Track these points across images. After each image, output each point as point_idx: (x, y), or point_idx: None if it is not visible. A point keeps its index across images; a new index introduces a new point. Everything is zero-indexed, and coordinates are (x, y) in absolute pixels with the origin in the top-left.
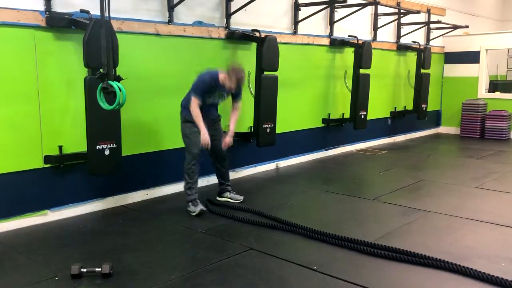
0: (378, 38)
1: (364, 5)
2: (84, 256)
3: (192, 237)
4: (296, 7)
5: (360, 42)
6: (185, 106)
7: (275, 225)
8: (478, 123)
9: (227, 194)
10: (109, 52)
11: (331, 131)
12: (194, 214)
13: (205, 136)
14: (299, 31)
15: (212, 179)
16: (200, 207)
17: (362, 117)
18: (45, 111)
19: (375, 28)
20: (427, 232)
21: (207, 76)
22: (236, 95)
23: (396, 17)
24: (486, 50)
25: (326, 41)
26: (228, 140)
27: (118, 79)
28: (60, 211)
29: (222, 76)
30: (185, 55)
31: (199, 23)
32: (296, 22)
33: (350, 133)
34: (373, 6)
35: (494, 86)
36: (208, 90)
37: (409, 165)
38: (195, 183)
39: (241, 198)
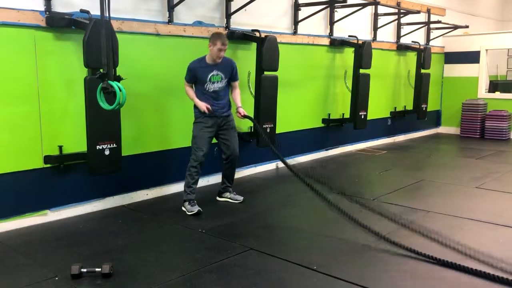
0: (378, 38)
1: (364, 5)
2: (84, 256)
3: (192, 237)
4: (296, 7)
5: (360, 42)
6: (194, 106)
7: None
8: (478, 123)
9: (227, 194)
10: (109, 52)
11: (331, 131)
12: (190, 213)
13: (203, 106)
14: (299, 31)
15: (212, 179)
16: (197, 207)
17: (362, 117)
18: (45, 111)
19: (375, 28)
20: (427, 232)
21: (192, 62)
22: (232, 77)
23: (396, 17)
24: (486, 50)
25: (326, 41)
26: (241, 110)
27: (118, 79)
28: (60, 211)
29: (208, 55)
30: (185, 55)
31: (199, 23)
32: (296, 22)
33: (350, 133)
34: (373, 6)
35: (494, 86)
36: (199, 74)
37: (409, 165)
38: (195, 184)
39: (241, 198)
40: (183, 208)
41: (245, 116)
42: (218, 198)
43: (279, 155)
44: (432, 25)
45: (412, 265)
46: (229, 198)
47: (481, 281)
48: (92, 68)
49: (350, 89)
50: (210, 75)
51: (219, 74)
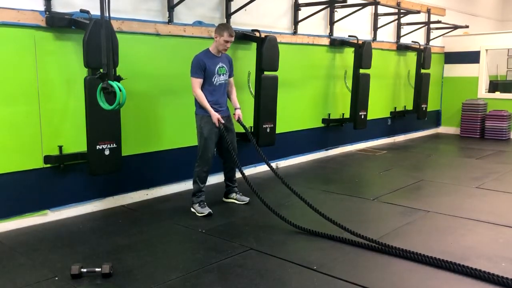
0: (378, 38)
1: (364, 5)
2: (84, 256)
3: (192, 237)
4: (296, 7)
5: (360, 42)
6: (195, 104)
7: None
8: (478, 123)
9: (234, 195)
10: (109, 52)
11: (331, 131)
12: (201, 215)
13: (215, 116)
14: (299, 31)
15: (212, 179)
16: (208, 209)
17: (362, 117)
18: (45, 111)
19: (375, 28)
20: (427, 232)
21: (198, 54)
22: (230, 73)
23: (396, 17)
24: (486, 50)
25: (326, 41)
26: (238, 112)
27: (118, 79)
28: (60, 211)
29: (212, 45)
30: (185, 55)
31: (199, 23)
32: (296, 22)
33: (350, 133)
34: (373, 6)
35: (494, 86)
36: (208, 65)
37: (409, 165)
38: (204, 186)
39: (247, 199)
40: (192, 210)
41: (239, 121)
42: (224, 199)
43: (266, 161)
44: (432, 25)
45: (411, 265)
46: (235, 199)
47: (481, 281)
48: (92, 68)
49: (350, 89)
50: (218, 67)
51: (224, 66)
